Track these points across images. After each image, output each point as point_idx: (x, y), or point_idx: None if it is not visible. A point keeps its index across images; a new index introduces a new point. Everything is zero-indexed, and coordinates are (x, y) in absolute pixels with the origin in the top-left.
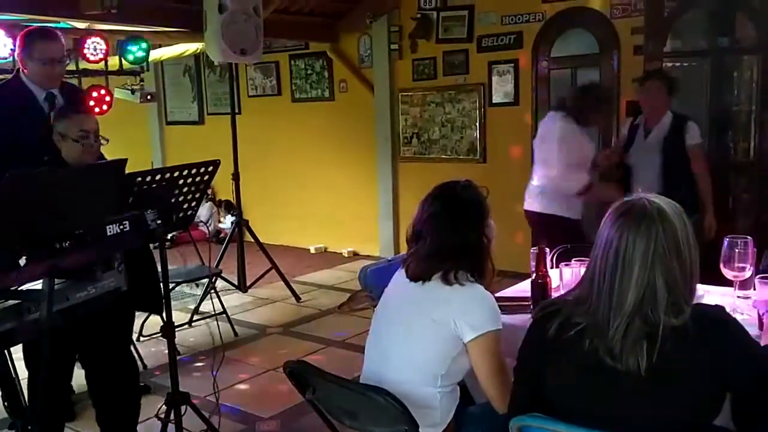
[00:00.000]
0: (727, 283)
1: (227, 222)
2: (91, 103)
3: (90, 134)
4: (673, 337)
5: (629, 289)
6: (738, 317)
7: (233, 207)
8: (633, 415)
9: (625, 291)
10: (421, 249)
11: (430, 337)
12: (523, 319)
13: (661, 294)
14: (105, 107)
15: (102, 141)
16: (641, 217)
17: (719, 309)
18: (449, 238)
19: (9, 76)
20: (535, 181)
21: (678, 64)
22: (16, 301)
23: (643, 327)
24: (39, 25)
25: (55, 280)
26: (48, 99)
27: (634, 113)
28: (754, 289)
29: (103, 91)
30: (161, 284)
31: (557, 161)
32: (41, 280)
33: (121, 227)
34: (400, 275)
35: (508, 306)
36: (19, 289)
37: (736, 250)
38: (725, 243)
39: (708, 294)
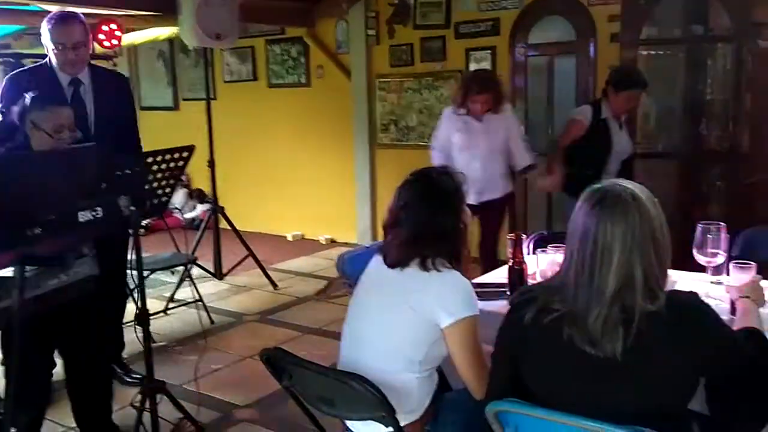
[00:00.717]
0: (700, 268)
1: (198, 211)
2: (101, 36)
3: (65, 128)
4: (648, 323)
5: (609, 276)
6: (711, 302)
7: (205, 196)
8: (610, 400)
9: (605, 279)
10: (398, 236)
11: (406, 323)
12: (500, 306)
13: (638, 281)
14: (115, 42)
15: (76, 135)
16: (617, 204)
17: (693, 295)
18: (426, 225)
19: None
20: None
21: (653, 51)
22: None
23: (620, 314)
24: (60, 10)
25: (27, 267)
26: (73, 84)
27: (594, 105)
28: (727, 275)
29: (113, 26)
30: (133, 272)
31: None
32: (12, 268)
33: (94, 213)
34: (376, 262)
35: (485, 292)
36: None
37: (709, 236)
38: (698, 229)
39: (681, 279)
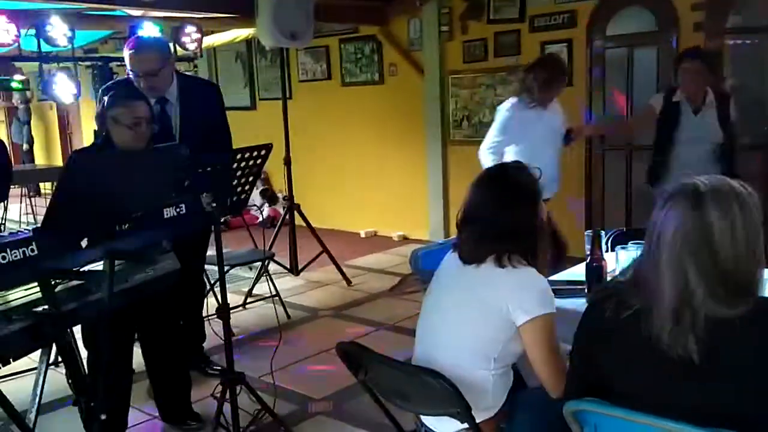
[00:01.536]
0: None
1: (266, 211)
2: (184, 39)
3: (142, 121)
4: (720, 329)
5: (663, 272)
6: None
7: (274, 196)
8: (684, 402)
9: (661, 274)
10: (474, 232)
11: (482, 320)
12: (578, 304)
13: (694, 282)
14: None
15: (154, 127)
16: (680, 199)
17: None
18: (502, 221)
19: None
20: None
21: (740, 41)
22: (79, 282)
23: (687, 313)
24: (141, 36)
25: (115, 261)
26: (159, 102)
27: (668, 90)
28: None
29: (194, 28)
30: (213, 267)
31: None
32: (102, 262)
33: (178, 210)
34: (451, 258)
35: (563, 290)
36: (81, 270)
37: None
38: None
39: None
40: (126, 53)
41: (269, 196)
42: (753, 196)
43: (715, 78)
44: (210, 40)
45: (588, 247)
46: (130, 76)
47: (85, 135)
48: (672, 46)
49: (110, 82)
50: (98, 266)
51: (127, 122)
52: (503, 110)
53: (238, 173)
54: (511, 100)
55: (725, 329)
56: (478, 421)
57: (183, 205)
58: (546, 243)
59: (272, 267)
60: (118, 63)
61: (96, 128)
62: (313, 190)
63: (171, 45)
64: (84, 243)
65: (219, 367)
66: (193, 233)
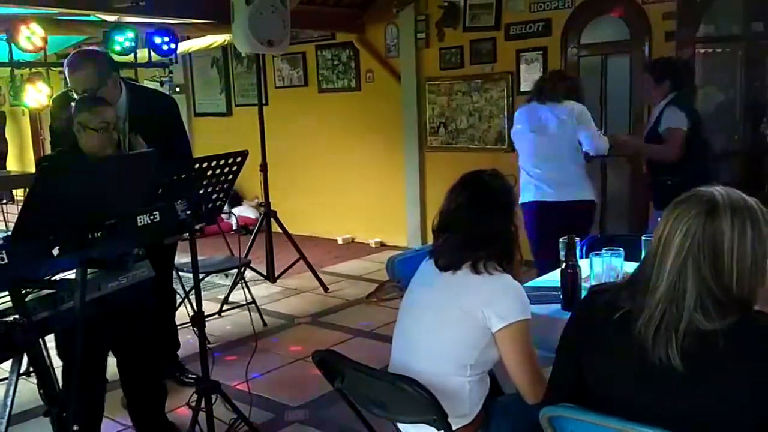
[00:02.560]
0: None
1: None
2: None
3: (109, 125)
4: (703, 339)
5: (662, 276)
6: None
7: (240, 199)
8: (664, 409)
9: (659, 278)
10: (450, 239)
11: (458, 327)
12: (552, 310)
13: (690, 292)
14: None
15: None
16: (692, 207)
17: None
18: (478, 228)
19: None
20: (554, 172)
21: (711, 50)
22: (51, 291)
23: (672, 320)
24: (78, 50)
25: (88, 269)
26: None
27: (691, 108)
28: None
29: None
30: (187, 275)
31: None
32: (74, 270)
33: (152, 218)
34: (427, 265)
35: (538, 296)
36: (53, 278)
37: None
38: None
39: None
40: (65, 71)
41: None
42: (766, 213)
43: None
44: (185, 46)
45: (563, 253)
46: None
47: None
48: (644, 55)
49: (63, 91)
50: (70, 275)
51: (94, 126)
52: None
53: (213, 180)
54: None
55: (708, 340)
56: (454, 428)
57: (157, 213)
58: (519, 249)
59: (249, 274)
60: None
61: (50, 138)
62: (290, 196)
63: (145, 53)
64: (56, 251)
65: (194, 376)
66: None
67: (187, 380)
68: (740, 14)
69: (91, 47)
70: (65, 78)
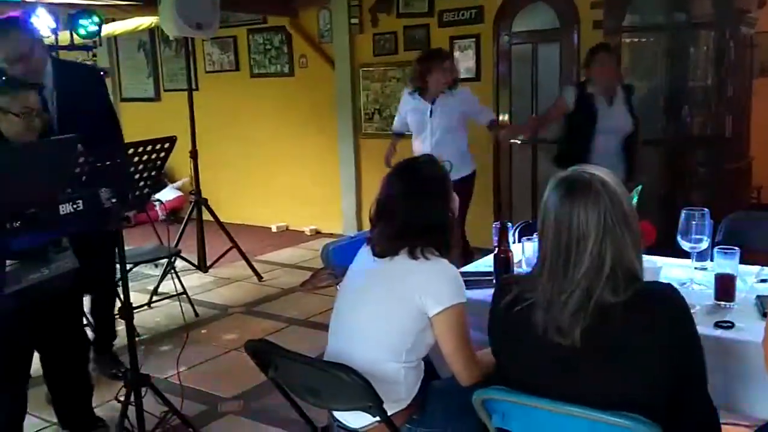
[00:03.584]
0: (684, 254)
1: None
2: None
3: (33, 111)
4: (612, 312)
5: (581, 264)
6: (695, 288)
7: (164, 185)
8: (583, 390)
9: (577, 266)
10: (387, 227)
11: (394, 313)
12: (486, 294)
13: (606, 269)
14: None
15: (45, 117)
16: (588, 191)
17: (668, 287)
18: (414, 216)
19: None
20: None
21: (636, 39)
22: None
23: (586, 302)
24: (4, 18)
25: (7, 261)
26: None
27: (580, 84)
28: (711, 261)
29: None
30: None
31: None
32: None
33: (75, 206)
34: (364, 252)
35: (471, 281)
36: None
37: (693, 222)
38: (682, 215)
39: (666, 266)
40: None
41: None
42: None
43: (619, 73)
44: (110, 28)
45: (495, 238)
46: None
47: None
48: (573, 43)
49: None
50: None
51: (16, 111)
52: None
53: (141, 167)
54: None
55: (613, 313)
56: (390, 413)
57: (80, 201)
58: (457, 235)
59: (179, 264)
60: None
61: None
62: (222, 184)
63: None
64: None
65: (123, 369)
66: (101, 229)
67: (119, 375)
68: (664, 5)
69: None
70: None
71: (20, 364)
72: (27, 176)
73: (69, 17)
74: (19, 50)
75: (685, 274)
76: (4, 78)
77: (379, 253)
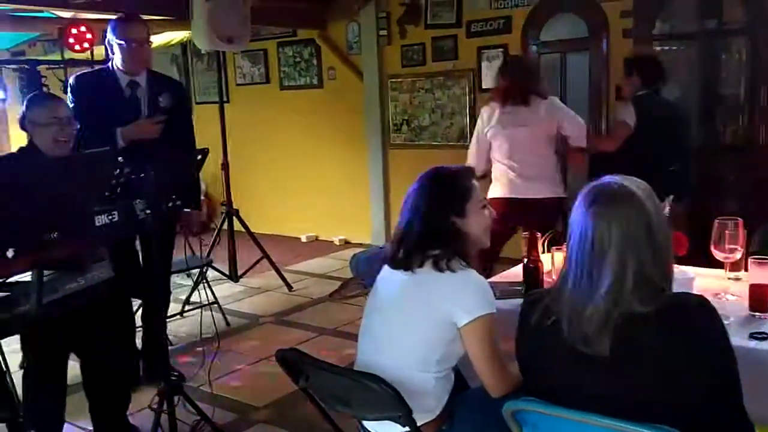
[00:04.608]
0: (717, 264)
1: None
2: (71, 40)
3: (62, 120)
4: (640, 323)
5: (604, 276)
6: (729, 299)
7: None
8: (613, 402)
9: (601, 279)
10: (409, 237)
11: (423, 323)
12: (515, 304)
13: (629, 280)
14: (86, 45)
15: (74, 127)
16: (612, 202)
17: (700, 298)
18: (435, 225)
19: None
20: (532, 168)
21: (667, 47)
22: (5, 294)
23: (613, 312)
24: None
25: (44, 271)
26: (131, 85)
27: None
28: (745, 271)
29: (83, 28)
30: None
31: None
32: (30, 272)
33: (110, 218)
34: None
35: (501, 291)
36: (8, 281)
37: (727, 232)
38: (716, 225)
39: (699, 276)
40: (116, 25)
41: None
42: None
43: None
44: None
45: (525, 248)
46: (118, 48)
47: (14, 140)
48: (603, 52)
49: (83, 71)
50: (26, 276)
51: (44, 122)
52: None
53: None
54: None
55: (642, 324)
56: (419, 423)
57: (116, 213)
58: (477, 244)
59: (211, 274)
60: (48, 66)
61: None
62: (253, 195)
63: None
64: (10, 253)
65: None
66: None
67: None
68: (694, 12)
69: None
70: (119, 32)
71: (57, 373)
72: (63, 188)
73: (104, 32)
74: (139, 35)
75: (719, 285)
76: (35, 93)
77: (404, 265)
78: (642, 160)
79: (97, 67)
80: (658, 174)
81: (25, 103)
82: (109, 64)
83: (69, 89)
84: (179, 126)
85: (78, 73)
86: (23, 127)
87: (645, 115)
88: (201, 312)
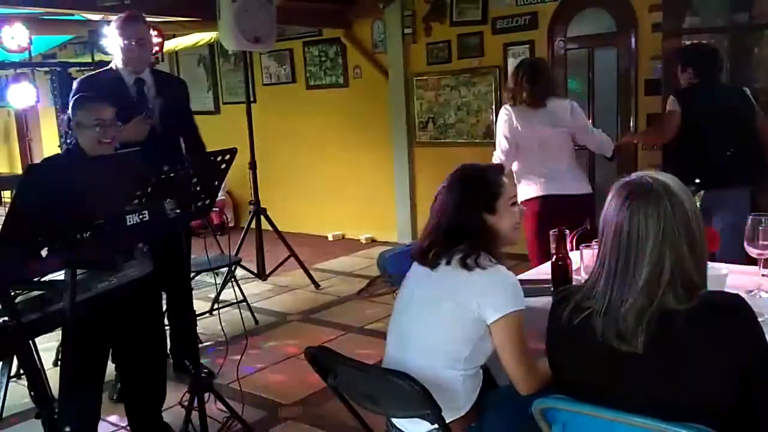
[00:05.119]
0: (751, 261)
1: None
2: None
3: (105, 122)
4: (675, 321)
5: (641, 270)
6: (763, 296)
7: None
8: (645, 399)
9: (637, 273)
10: (438, 234)
11: (452, 321)
12: (545, 302)
13: (666, 276)
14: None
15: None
16: (649, 196)
17: (734, 297)
18: (461, 221)
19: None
20: (561, 166)
21: (697, 41)
22: (40, 292)
23: (648, 308)
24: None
25: (77, 270)
26: (137, 83)
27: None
28: None
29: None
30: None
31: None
32: (63, 271)
33: (141, 217)
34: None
35: (530, 288)
36: (42, 280)
37: (761, 228)
38: (749, 221)
39: (732, 272)
40: (118, 25)
41: None
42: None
43: None
44: (172, 44)
45: (553, 246)
46: (120, 48)
47: (45, 142)
48: (631, 47)
49: (87, 74)
50: (59, 276)
51: (89, 124)
52: None
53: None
54: None
55: (677, 322)
56: (448, 421)
57: (146, 212)
58: (506, 241)
59: (239, 272)
60: (78, 68)
61: (59, 139)
62: (280, 194)
63: None
64: (44, 252)
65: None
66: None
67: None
68: (725, 5)
69: None
70: (119, 32)
71: (94, 371)
72: (94, 188)
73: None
74: (140, 35)
75: (753, 282)
76: (81, 95)
77: (432, 262)
78: (700, 150)
79: (99, 69)
80: (718, 161)
81: (70, 105)
82: (112, 64)
83: (73, 92)
84: (188, 124)
85: (81, 78)
86: (69, 129)
87: (699, 107)
88: (233, 309)
